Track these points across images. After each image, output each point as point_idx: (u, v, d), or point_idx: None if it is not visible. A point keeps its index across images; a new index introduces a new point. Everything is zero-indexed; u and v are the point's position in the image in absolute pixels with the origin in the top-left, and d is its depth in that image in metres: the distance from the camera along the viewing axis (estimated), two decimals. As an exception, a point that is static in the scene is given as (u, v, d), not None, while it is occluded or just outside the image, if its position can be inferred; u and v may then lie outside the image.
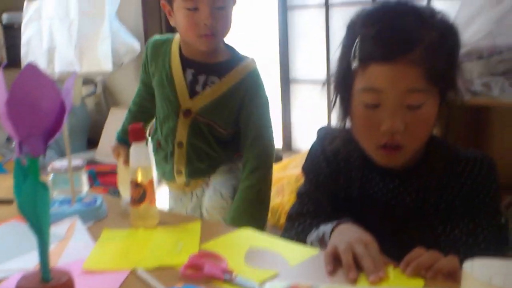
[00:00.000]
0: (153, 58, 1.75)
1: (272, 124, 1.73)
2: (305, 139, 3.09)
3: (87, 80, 3.92)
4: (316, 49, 2.92)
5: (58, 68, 3.46)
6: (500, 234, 1.06)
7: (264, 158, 1.71)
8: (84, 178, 1.44)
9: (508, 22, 1.78)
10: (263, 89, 1.73)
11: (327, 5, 2.85)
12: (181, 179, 1.77)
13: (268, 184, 1.73)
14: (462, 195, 1.06)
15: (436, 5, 2.39)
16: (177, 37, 1.72)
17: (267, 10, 3.24)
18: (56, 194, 1.39)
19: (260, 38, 3.42)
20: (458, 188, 1.06)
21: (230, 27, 1.64)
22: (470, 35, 1.86)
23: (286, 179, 2.56)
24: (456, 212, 1.07)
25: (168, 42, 1.75)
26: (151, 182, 1.24)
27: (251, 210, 1.68)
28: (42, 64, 3.48)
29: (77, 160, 1.43)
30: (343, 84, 1.04)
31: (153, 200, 1.25)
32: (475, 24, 1.86)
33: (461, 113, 1.95)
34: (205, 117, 1.68)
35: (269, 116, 1.73)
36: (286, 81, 3.11)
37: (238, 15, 1.71)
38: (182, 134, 1.71)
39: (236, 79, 1.68)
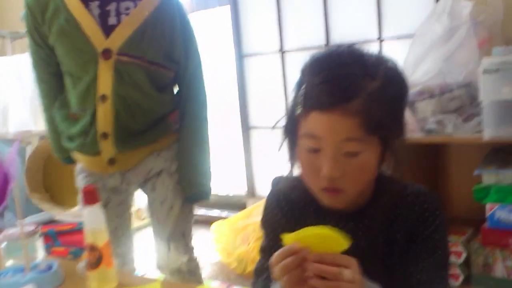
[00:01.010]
0: (41, 13, 1.48)
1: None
2: (268, 185, 3.06)
3: (45, 136, 3.85)
4: (274, 95, 2.95)
5: (13, 128, 3.40)
6: (437, 273, 1.04)
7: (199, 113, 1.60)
8: (39, 244, 1.39)
9: (456, 60, 1.82)
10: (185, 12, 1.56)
11: (282, 52, 2.88)
12: (107, 148, 1.50)
13: (207, 130, 1.63)
14: (405, 232, 1.05)
15: (387, 45, 2.46)
16: None
17: (224, 58, 3.26)
18: (9, 263, 1.34)
19: (219, 86, 3.44)
20: (403, 225, 1.05)
21: None
22: (421, 74, 1.90)
23: (251, 226, 2.54)
24: (399, 250, 1.05)
25: None
26: (107, 244, 1.20)
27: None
28: (-5, 126, 3.41)
29: (31, 226, 1.38)
30: (290, 128, 1.05)
31: (110, 263, 1.21)
32: (425, 64, 1.89)
33: (417, 151, 1.97)
34: (130, 54, 1.44)
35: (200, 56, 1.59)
36: (246, 127, 3.12)
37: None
38: (105, 83, 1.45)
39: (157, 2, 1.47)
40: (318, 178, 0.99)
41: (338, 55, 1.02)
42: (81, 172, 1.65)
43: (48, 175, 3.03)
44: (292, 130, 1.04)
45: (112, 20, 1.44)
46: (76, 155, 1.62)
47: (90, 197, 1.20)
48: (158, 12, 1.46)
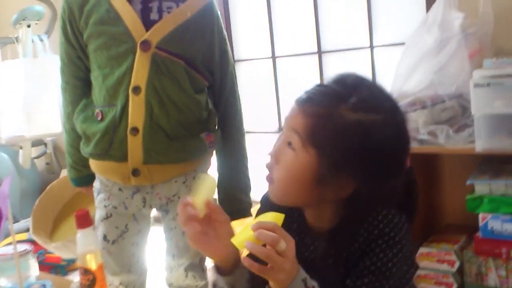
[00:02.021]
0: (80, 7, 1.46)
1: None
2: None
3: (37, 141, 3.84)
4: (266, 100, 2.95)
5: (5, 133, 3.37)
6: None
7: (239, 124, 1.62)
8: (33, 262, 1.39)
9: (447, 71, 1.83)
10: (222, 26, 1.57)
11: (274, 57, 2.88)
12: (135, 147, 1.44)
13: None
14: (361, 252, 1.04)
15: (378, 53, 2.47)
16: None
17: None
18: (2, 282, 1.33)
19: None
20: (361, 246, 1.04)
21: None
22: (413, 85, 1.90)
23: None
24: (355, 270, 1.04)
25: None
26: (100, 267, 1.19)
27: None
28: (-13, 133, 3.40)
29: (25, 244, 1.38)
30: None
31: (103, 286, 1.21)
32: (416, 74, 1.90)
33: (410, 160, 1.97)
34: (169, 50, 1.42)
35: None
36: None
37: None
38: (139, 74, 1.41)
39: (198, 7, 1.48)
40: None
41: (350, 75, 1.04)
42: (100, 192, 1.60)
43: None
44: None
45: (153, 16, 1.43)
46: (97, 165, 1.56)
47: (83, 221, 1.20)
48: (199, 16, 1.47)
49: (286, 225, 1.13)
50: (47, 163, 4.06)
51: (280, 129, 2.86)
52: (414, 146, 1.86)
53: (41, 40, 3.45)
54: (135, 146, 1.45)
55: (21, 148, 3.51)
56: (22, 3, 3.45)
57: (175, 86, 1.45)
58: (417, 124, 1.88)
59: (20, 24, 3.34)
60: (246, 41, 2.98)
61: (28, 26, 3.35)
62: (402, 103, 1.90)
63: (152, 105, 1.43)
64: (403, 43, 2.05)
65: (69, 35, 1.51)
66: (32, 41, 3.41)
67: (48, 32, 3.54)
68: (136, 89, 1.42)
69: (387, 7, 2.43)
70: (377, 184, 0.99)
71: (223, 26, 1.58)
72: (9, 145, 3.51)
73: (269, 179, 1.05)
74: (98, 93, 1.50)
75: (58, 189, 3.03)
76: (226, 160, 1.64)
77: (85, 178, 1.65)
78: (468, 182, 1.87)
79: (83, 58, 1.52)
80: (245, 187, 1.66)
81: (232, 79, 1.61)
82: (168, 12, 1.44)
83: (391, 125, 0.98)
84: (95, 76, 1.50)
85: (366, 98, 0.98)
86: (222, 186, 1.61)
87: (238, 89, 1.65)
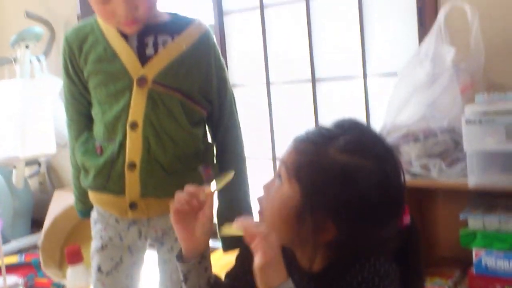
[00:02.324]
0: (79, 46, 1.51)
1: None
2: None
3: (31, 161, 3.83)
4: (262, 125, 2.94)
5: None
6: None
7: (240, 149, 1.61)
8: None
9: (439, 105, 1.84)
10: (220, 54, 1.58)
11: (268, 84, 2.89)
12: (133, 182, 1.46)
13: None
14: None
15: (371, 82, 2.48)
16: None
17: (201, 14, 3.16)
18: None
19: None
20: None
21: (154, 4, 1.44)
22: (405, 118, 1.92)
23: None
24: None
25: (91, 21, 1.52)
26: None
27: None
28: (-20, 152, 3.39)
29: (13, 277, 1.38)
30: None
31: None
32: (409, 107, 1.92)
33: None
34: (165, 84, 1.45)
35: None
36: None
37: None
38: (136, 110, 1.44)
39: (193, 39, 1.50)
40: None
41: (349, 119, 1.06)
42: (97, 222, 1.61)
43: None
44: None
45: (149, 51, 1.46)
46: (95, 197, 1.58)
47: (74, 257, 1.20)
48: (195, 47, 1.49)
49: None
50: (41, 183, 4.05)
51: (274, 156, 2.89)
52: (407, 179, 1.87)
53: (39, 60, 3.48)
54: (132, 180, 1.47)
55: (14, 167, 3.50)
56: (21, 24, 3.47)
57: (171, 121, 1.47)
58: (410, 157, 1.89)
59: (19, 44, 3.36)
60: (241, 67, 2.98)
61: (27, 47, 3.38)
62: (395, 136, 1.92)
63: (149, 140, 1.45)
64: (395, 73, 2.07)
65: (71, 73, 1.54)
66: (30, 62, 3.43)
67: (46, 53, 3.56)
68: (133, 125, 1.44)
69: (380, 37, 2.45)
70: (359, 232, 0.97)
71: (220, 53, 1.59)
72: (2, 165, 3.50)
73: (259, 213, 1.06)
74: (98, 128, 1.53)
75: (62, 220, 3.04)
76: (227, 187, 1.63)
77: (90, 211, 1.66)
78: (461, 217, 1.88)
79: (85, 94, 1.55)
80: (247, 213, 1.62)
81: (230, 106, 1.61)
82: (164, 46, 1.47)
83: (379, 173, 0.96)
84: (96, 112, 1.54)
85: (355, 141, 0.98)
86: (223, 214, 1.59)
87: (238, 116, 1.65)
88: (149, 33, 1.47)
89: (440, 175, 1.84)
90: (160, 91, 1.44)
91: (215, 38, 1.60)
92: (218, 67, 1.56)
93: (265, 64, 2.85)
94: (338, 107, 2.64)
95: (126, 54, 1.45)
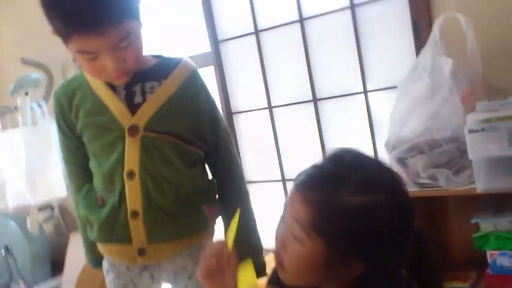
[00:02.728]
0: (69, 102, 1.52)
1: None
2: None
3: (44, 206, 3.86)
4: (267, 150, 2.98)
5: (11, 202, 3.41)
6: None
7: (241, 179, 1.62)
8: None
9: (441, 117, 1.86)
10: (210, 93, 1.59)
11: (270, 108, 2.92)
12: (138, 230, 1.47)
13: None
14: None
15: (372, 97, 2.51)
16: None
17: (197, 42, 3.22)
18: None
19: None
20: None
21: (141, 52, 1.44)
22: (409, 131, 1.94)
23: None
24: None
25: (77, 76, 1.54)
26: None
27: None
28: (-5, 199, 3.42)
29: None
30: None
31: None
32: (411, 121, 1.94)
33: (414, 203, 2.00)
34: (157, 130, 1.46)
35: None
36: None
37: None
38: (131, 160, 1.45)
39: (181, 80, 1.51)
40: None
41: (347, 152, 1.06)
42: (109, 272, 1.64)
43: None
44: None
45: (137, 99, 1.47)
46: (103, 248, 1.61)
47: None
48: (183, 89, 1.50)
49: None
50: (55, 226, 4.08)
51: (283, 178, 2.92)
52: (416, 190, 1.90)
53: (40, 106, 3.51)
54: (137, 228, 1.48)
55: (28, 214, 3.53)
56: (18, 71, 3.51)
57: (167, 165, 1.48)
58: (417, 168, 1.92)
59: (18, 92, 3.39)
60: (242, 93, 3.02)
61: (26, 94, 3.40)
62: (400, 149, 1.95)
63: (148, 188, 1.47)
64: (395, 87, 2.10)
65: (64, 129, 1.57)
66: (31, 108, 3.46)
67: (46, 98, 3.59)
68: (131, 174, 1.46)
69: (377, 51, 2.47)
70: (386, 260, 1.00)
71: (209, 91, 1.60)
72: (16, 214, 3.53)
73: (279, 264, 1.07)
74: (97, 180, 1.55)
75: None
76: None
77: (101, 259, 1.67)
78: (473, 221, 1.91)
79: (80, 147, 1.57)
80: (257, 248, 1.65)
81: (226, 142, 1.62)
82: (151, 93, 1.48)
83: (394, 203, 0.99)
84: (93, 165, 1.56)
85: (365, 179, 0.99)
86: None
87: (235, 151, 1.67)
88: (136, 81, 1.48)
89: (448, 184, 1.86)
90: (153, 137, 1.46)
91: (202, 78, 1.59)
92: (209, 106, 1.57)
93: (265, 88, 2.88)
94: (342, 124, 2.67)
95: (115, 105, 1.47)
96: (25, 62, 3.45)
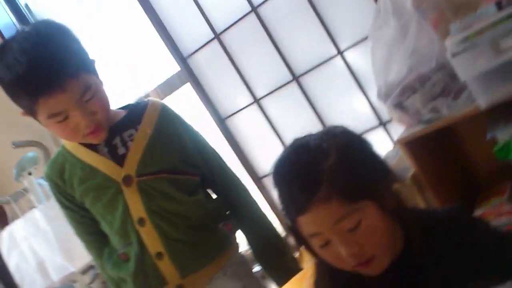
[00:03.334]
0: (60, 178, 1.57)
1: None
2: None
3: (85, 268, 3.89)
4: (270, 141, 2.99)
5: (55, 277, 3.45)
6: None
7: (245, 194, 1.64)
8: None
9: (420, 51, 1.85)
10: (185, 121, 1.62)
11: (257, 101, 2.92)
12: (168, 270, 1.51)
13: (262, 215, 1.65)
14: (459, 260, 1.06)
15: (349, 55, 2.51)
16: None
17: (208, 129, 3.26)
18: None
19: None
20: (448, 254, 1.07)
21: (108, 104, 1.48)
22: (394, 76, 1.93)
23: (308, 273, 2.54)
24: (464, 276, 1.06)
25: (60, 151, 1.58)
26: None
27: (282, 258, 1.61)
28: (39, 281, 3.47)
29: None
30: (293, 233, 1.12)
31: None
32: (393, 66, 1.93)
33: (425, 144, 1.99)
34: (149, 172, 1.51)
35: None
36: (257, 179, 3.11)
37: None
38: (136, 208, 1.50)
39: (155, 119, 1.55)
40: (345, 261, 1.05)
41: (288, 160, 1.10)
42: None
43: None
44: (296, 234, 1.11)
45: (121, 151, 1.52)
46: None
47: None
48: (158, 127, 1.54)
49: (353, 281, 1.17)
50: (103, 282, 4.12)
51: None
52: (423, 128, 1.89)
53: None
54: (167, 268, 1.53)
55: (74, 282, 3.57)
56: (13, 156, 3.52)
57: (170, 201, 1.52)
58: (416, 107, 1.91)
59: (22, 176, 3.42)
60: (226, 96, 3.02)
61: (30, 174, 3.44)
62: (393, 96, 1.94)
63: (162, 227, 1.51)
64: (367, 37, 2.09)
65: (66, 203, 1.61)
66: (40, 185, 3.49)
67: (49, 171, 3.61)
68: (141, 221, 1.50)
69: (337, 10, 2.47)
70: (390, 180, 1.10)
71: (184, 120, 1.63)
72: (63, 285, 3.57)
73: (368, 263, 1.06)
74: (113, 239, 1.58)
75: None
76: (251, 233, 1.67)
77: None
78: (488, 137, 1.90)
79: (86, 215, 1.61)
80: (280, 248, 1.67)
81: (217, 162, 1.65)
82: (131, 140, 1.52)
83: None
84: (103, 226, 1.59)
85: (320, 141, 1.07)
86: (261, 257, 1.66)
87: (228, 167, 1.69)
88: (114, 135, 1.53)
89: (451, 111, 1.85)
90: (147, 180, 1.50)
91: (173, 110, 1.63)
92: (189, 133, 1.61)
93: (245, 84, 2.89)
94: (330, 92, 2.67)
95: (103, 164, 1.51)
96: (17, 145, 3.47)
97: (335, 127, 1.15)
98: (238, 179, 1.69)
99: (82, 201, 1.58)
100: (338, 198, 1.00)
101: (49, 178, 1.60)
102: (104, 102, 1.46)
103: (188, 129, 1.62)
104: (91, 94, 1.40)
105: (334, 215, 1.00)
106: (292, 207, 1.04)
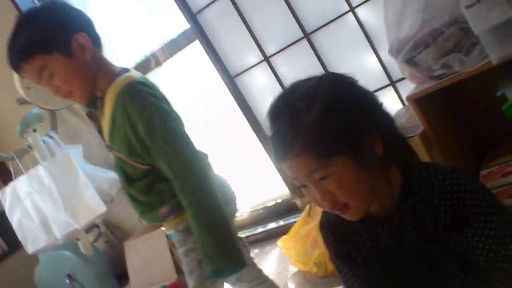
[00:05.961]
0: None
1: (178, 135, 1.57)
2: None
3: (89, 226, 3.92)
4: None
5: (58, 234, 3.47)
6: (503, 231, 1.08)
7: (190, 190, 1.55)
8: None
9: (433, 4, 1.83)
10: (144, 103, 1.54)
11: (267, 59, 2.90)
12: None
13: (207, 203, 1.56)
14: (451, 213, 1.09)
15: (362, 12, 2.48)
16: None
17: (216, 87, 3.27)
18: None
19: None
20: (443, 207, 1.09)
21: (73, 78, 1.56)
22: (407, 30, 1.92)
23: (314, 230, 2.57)
24: (457, 228, 1.09)
25: None
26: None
27: (218, 248, 1.57)
28: (42, 237, 3.49)
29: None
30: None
31: None
32: (406, 20, 1.91)
33: (436, 101, 1.99)
34: (113, 148, 1.66)
35: (168, 129, 1.54)
36: (264, 138, 3.09)
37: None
38: (116, 171, 1.73)
39: (112, 103, 1.59)
40: (323, 205, 1.12)
41: (275, 109, 1.14)
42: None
43: None
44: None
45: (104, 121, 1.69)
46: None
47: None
48: (114, 112, 1.59)
49: (352, 228, 1.19)
50: (106, 241, 4.16)
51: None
52: (435, 83, 1.88)
53: (51, 137, 3.54)
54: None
55: (78, 239, 3.59)
56: (19, 113, 3.52)
57: (126, 177, 1.69)
58: (428, 63, 1.90)
59: (27, 132, 3.42)
60: (236, 55, 3.00)
61: (34, 131, 3.44)
62: (405, 51, 1.93)
63: (128, 191, 1.73)
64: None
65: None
66: (44, 142, 3.50)
67: (54, 128, 3.62)
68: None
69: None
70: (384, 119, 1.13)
71: (146, 105, 1.55)
72: (66, 242, 3.60)
73: (343, 211, 1.11)
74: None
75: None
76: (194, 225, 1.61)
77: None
78: (498, 94, 1.89)
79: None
80: (205, 249, 1.60)
81: (164, 153, 1.56)
82: (102, 111, 1.67)
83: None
84: None
85: (306, 93, 1.10)
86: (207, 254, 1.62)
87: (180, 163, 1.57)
88: (101, 102, 1.66)
89: (463, 66, 1.83)
90: (115, 153, 1.66)
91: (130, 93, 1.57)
92: (143, 123, 1.54)
93: (255, 41, 2.86)
94: (341, 49, 2.65)
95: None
96: (21, 101, 3.47)
97: (332, 75, 1.19)
98: (182, 176, 1.57)
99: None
100: (310, 153, 1.04)
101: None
102: (65, 77, 1.56)
103: (144, 118, 1.54)
104: (48, 73, 1.54)
105: (306, 168, 1.06)
106: (275, 155, 1.11)
